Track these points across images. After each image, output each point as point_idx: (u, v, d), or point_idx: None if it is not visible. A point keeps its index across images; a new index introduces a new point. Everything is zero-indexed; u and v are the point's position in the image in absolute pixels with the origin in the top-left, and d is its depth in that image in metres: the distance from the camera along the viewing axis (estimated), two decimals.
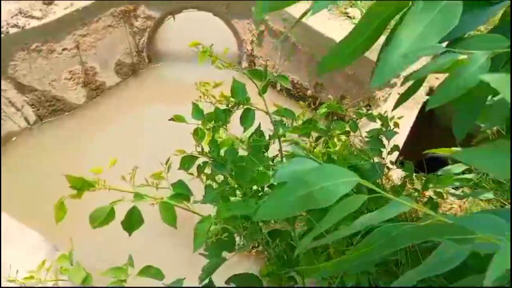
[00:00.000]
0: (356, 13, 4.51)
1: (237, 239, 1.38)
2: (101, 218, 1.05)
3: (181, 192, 1.16)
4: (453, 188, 1.90)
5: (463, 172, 1.95)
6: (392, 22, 0.86)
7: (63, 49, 4.53)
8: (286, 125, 1.45)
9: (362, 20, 0.85)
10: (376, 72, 0.78)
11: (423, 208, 0.67)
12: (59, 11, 4.39)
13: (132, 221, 1.09)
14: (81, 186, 1.04)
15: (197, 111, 1.49)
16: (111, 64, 5.06)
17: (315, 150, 1.53)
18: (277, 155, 1.50)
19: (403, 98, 1.13)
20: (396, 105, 1.20)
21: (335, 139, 1.58)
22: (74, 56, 4.64)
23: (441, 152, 1.97)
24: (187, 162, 1.43)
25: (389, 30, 0.86)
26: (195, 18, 5.33)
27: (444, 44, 0.80)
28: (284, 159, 1.44)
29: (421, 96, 3.57)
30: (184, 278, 1.30)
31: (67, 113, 4.78)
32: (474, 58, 0.74)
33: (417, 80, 1.05)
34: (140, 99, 5.11)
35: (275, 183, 0.81)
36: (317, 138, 1.65)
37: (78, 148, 4.41)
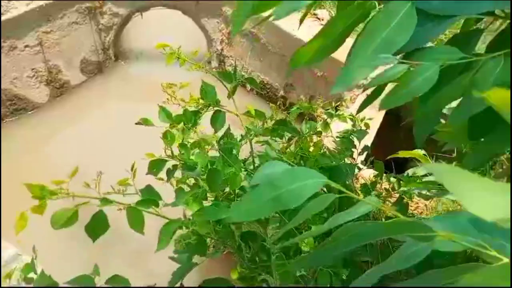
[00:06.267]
0: (325, 14, 4.55)
1: (208, 241, 1.36)
2: (64, 219, 1.00)
3: (150, 197, 1.13)
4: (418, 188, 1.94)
5: (428, 174, 2.00)
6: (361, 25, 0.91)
7: (26, 46, 4.36)
8: (257, 126, 1.44)
9: (330, 22, 0.90)
10: (337, 81, 0.85)
11: (389, 208, 0.70)
12: (20, 6, 4.22)
13: (97, 226, 1.05)
14: (42, 194, 0.98)
15: (164, 114, 1.46)
16: (76, 62, 4.91)
17: (287, 150, 1.52)
18: (248, 157, 1.49)
19: (364, 104, 1.20)
20: (359, 110, 1.26)
21: (308, 140, 1.58)
22: (37, 54, 4.48)
23: (405, 155, 2.02)
24: (155, 166, 1.39)
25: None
26: (163, 16, 5.24)
27: (399, 55, 0.87)
28: (255, 160, 1.43)
29: None
30: (155, 284, 1.27)
31: (29, 112, 4.61)
32: (422, 69, 0.81)
33: (378, 87, 1.10)
34: (106, 98, 4.99)
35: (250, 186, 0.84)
36: (289, 139, 1.65)
37: (41, 149, 4.27)
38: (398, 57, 0.84)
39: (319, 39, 0.91)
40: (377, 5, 0.86)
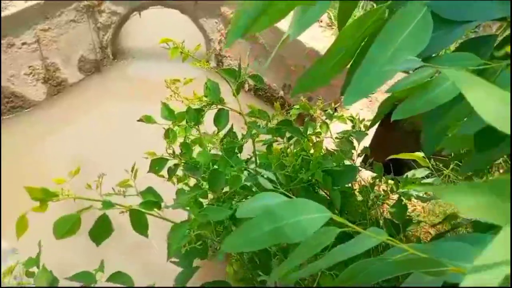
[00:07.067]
0: (324, 15, 4.55)
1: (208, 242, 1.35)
2: (66, 227, 0.98)
3: (151, 198, 1.11)
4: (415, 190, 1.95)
5: (426, 176, 2.00)
6: None
7: (23, 44, 4.34)
8: (260, 126, 1.43)
9: (337, 41, 0.84)
10: (349, 91, 0.77)
11: (396, 242, 0.65)
12: (19, 4, 4.20)
13: (101, 230, 1.03)
14: (43, 197, 0.96)
15: (167, 111, 1.44)
16: (73, 60, 4.89)
17: (288, 151, 1.51)
18: (251, 157, 1.48)
19: (376, 118, 1.15)
20: (372, 124, 1.23)
21: (308, 141, 1.58)
22: (35, 51, 4.45)
23: (404, 157, 2.02)
24: (157, 164, 1.37)
25: None
26: (161, 15, 5.23)
27: None
28: (257, 160, 1.42)
29: None
30: (154, 283, 1.26)
31: (26, 110, 4.59)
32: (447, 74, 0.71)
33: (391, 98, 1.05)
34: (103, 97, 4.97)
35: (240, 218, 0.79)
36: (289, 139, 1.64)
37: (38, 147, 4.24)
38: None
39: (326, 60, 0.85)
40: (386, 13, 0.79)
